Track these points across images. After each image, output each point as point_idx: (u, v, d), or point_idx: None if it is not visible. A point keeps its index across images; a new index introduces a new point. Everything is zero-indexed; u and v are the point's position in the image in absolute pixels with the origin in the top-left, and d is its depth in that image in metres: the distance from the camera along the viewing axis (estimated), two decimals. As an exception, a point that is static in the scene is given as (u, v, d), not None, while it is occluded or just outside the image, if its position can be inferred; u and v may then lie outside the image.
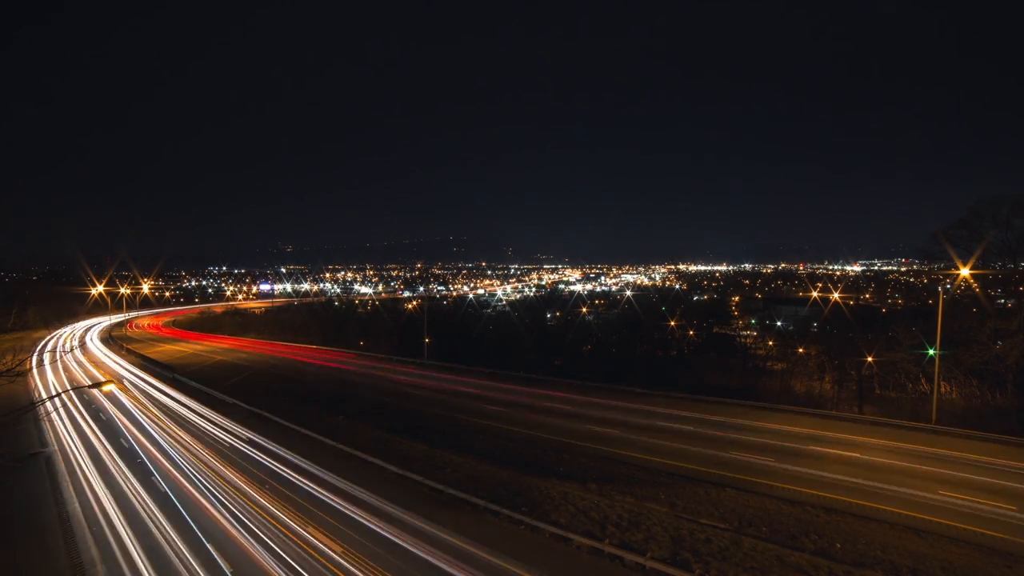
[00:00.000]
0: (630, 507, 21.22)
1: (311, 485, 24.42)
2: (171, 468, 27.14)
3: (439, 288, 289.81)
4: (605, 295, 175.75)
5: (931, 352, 36.75)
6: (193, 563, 18.07)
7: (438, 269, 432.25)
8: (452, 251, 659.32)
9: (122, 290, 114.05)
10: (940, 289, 51.35)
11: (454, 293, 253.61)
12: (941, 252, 42.62)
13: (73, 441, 32.04)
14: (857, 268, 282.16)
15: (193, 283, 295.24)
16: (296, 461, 27.61)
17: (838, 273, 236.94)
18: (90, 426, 35.24)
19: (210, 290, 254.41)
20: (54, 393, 44.38)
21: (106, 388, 45.38)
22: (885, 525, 20.02)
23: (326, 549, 18.60)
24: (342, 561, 17.83)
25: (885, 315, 61.96)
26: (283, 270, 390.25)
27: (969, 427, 30.87)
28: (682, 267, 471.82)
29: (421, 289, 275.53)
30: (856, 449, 28.00)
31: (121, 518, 21.64)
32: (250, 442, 31.11)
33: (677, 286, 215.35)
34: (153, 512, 22.04)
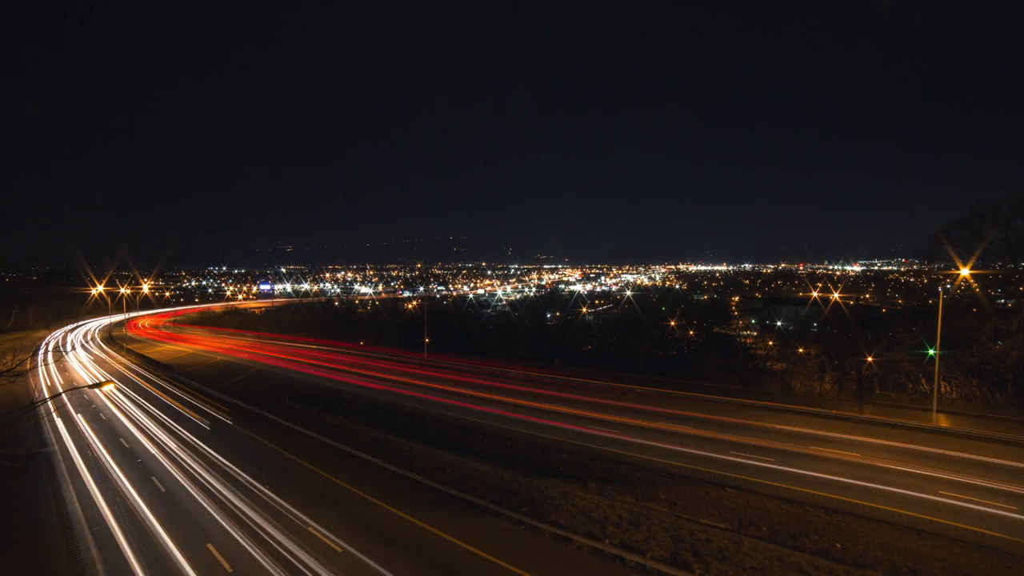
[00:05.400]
0: (630, 507, 21.22)
1: (311, 485, 24.42)
2: (170, 468, 27.16)
3: (439, 288, 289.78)
4: (605, 295, 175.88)
5: (931, 352, 36.72)
6: (193, 563, 18.07)
7: (438, 269, 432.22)
8: (452, 251, 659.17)
9: (122, 290, 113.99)
10: (940, 289, 51.40)
11: (454, 293, 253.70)
12: (941, 252, 42.62)
13: (73, 441, 32.05)
14: (857, 268, 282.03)
15: (193, 283, 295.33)
16: (296, 461, 27.62)
17: (838, 273, 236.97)
18: (90, 426, 35.26)
19: (210, 290, 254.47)
20: (54, 393, 44.38)
21: (106, 388, 45.52)
22: (885, 525, 20.01)
23: (326, 549, 18.61)
24: (342, 561, 17.83)
25: (885, 315, 61.82)
26: (283, 270, 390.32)
27: (969, 427, 30.86)
28: (682, 267, 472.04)
29: (421, 289, 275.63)
30: (856, 449, 27.97)
31: (121, 518, 21.65)
32: (250, 443, 31.11)
33: (677, 286, 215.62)
34: (153, 512, 22.05)
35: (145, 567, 18.01)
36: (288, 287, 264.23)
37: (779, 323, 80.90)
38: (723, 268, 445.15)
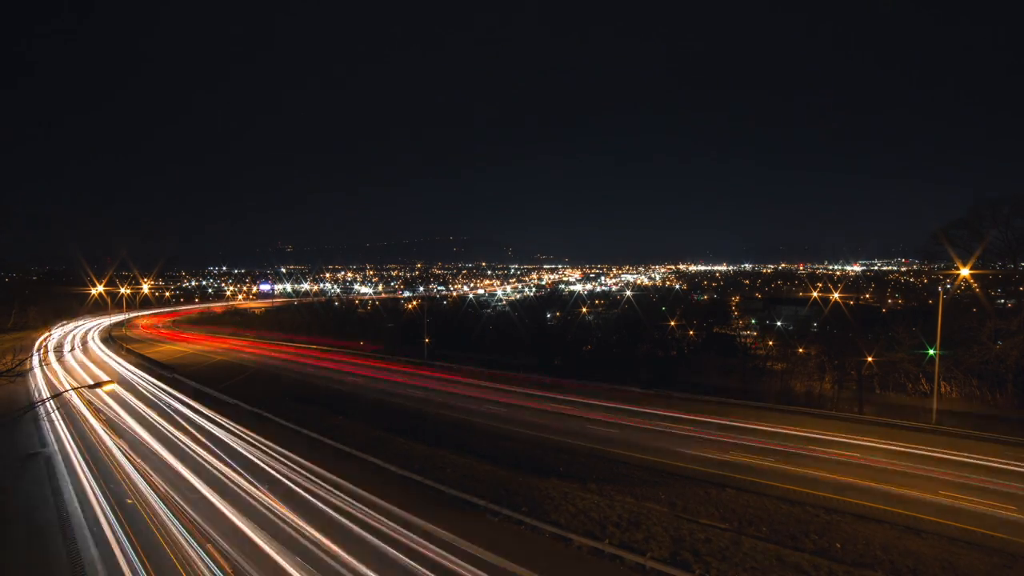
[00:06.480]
0: (630, 507, 21.23)
1: (311, 485, 24.44)
2: (170, 468, 27.14)
3: (439, 288, 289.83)
4: (605, 295, 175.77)
5: (931, 352, 36.73)
6: (192, 563, 18.07)
7: (438, 269, 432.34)
8: (452, 251, 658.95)
9: (122, 290, 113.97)
10: (940, 289, 51.36)
11: (454, 293, 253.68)
12: (941, 252, 42.65)
13: (72, 441, 32.03)
14: (857, 268, 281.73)
15: (193, 283, 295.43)
16: (296, 461, 27.62)
17: (838, 273, 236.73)
18: (90, 426, 35.25)
19: (210, 290, 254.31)
20: (54, 393, 44.37)
21: (106, 388, 45.49)
22: (885, 525, 20.02)
23: (326, 548, 18.60)
24: (342, 561, 17.83)
25: (885, 315, 61.79)
26: (283, 270, 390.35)
27: (969, 427, 30.87)
28: (682, 267, 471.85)
29: (421, 289, 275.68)
30: (856, 449, 27.99)
31: (121, 518, 21.64)
32: (250, 442, 31.12)
33: (677, 286, 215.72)
34: (153, 512, 22.04)
35: (145, 567, 18.00)
36: (288, 287, 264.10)
37: (779, 323, 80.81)
38: (723, 268, 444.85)
